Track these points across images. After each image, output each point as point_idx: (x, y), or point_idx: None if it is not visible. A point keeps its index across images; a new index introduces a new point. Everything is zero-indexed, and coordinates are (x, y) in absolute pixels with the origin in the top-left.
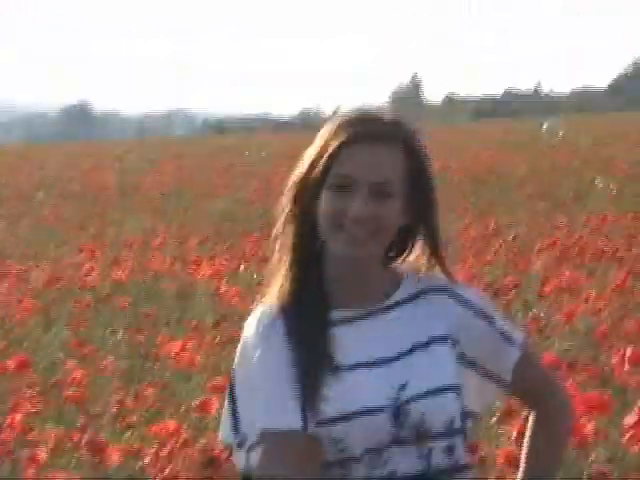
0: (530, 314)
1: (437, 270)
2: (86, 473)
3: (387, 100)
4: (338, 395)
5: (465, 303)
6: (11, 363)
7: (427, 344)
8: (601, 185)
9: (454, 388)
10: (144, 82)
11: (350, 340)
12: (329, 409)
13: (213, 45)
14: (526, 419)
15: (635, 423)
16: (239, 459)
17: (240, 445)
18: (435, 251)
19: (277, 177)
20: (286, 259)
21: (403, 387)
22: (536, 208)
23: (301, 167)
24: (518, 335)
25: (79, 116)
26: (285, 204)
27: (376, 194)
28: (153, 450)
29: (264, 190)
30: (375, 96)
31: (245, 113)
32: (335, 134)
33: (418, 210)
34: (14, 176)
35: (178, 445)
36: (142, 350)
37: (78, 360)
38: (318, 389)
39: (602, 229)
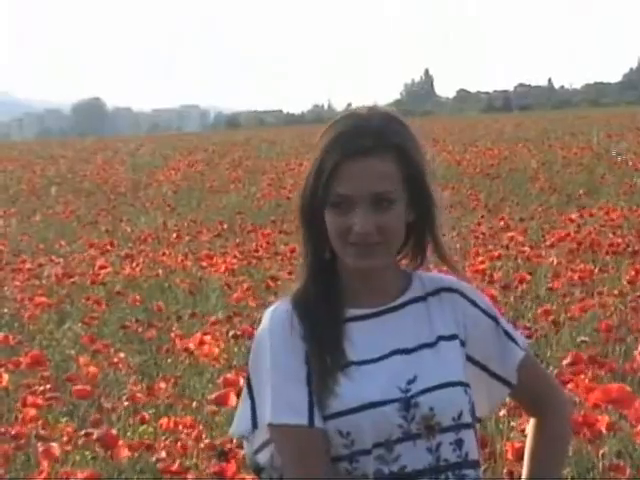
0: (541, 309)
1: (443, 267)
2: (99, 468)
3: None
4: (349, 389)
5: (473, 302)
6: (24, 358)
7: (436, 342)
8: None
9: (462, 384)
10: (156, 77)
11: (362, 337)
12: (340, 403)
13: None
14: None
15: None
16: (251, 452)
17: (254, 439)
18: (437, 246)
19: (289, 172)
20: (303, 264)
21: (412, 381)
22: (548, 202)
23: (303, 187)
24: (521, 337)
25: (92, 112)
26: (297, 222)
27: (377, 203)
28: (166, 444)
29: (275, 185)
30: (388, 91)
31: (258, 110)
32: (328, 151)
33: (419, 207)
34: (27, 172)
35: (191, 439)
36: (154, 345)
37: (91, 355)
38: (330, 384)
39: (614, 223)
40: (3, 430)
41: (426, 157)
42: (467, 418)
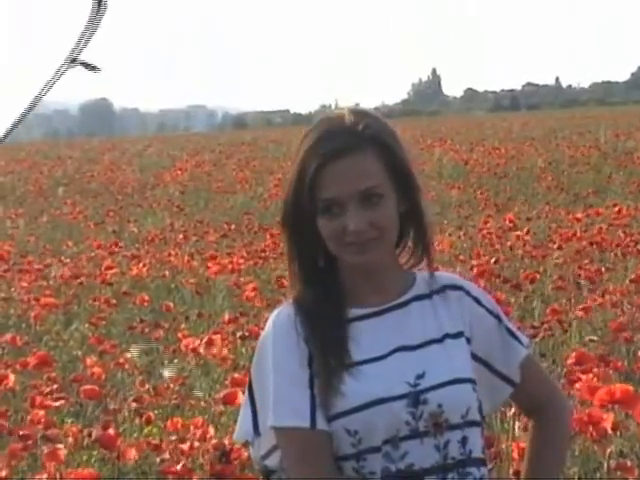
0: (549, 308)
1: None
2: (105, 469)
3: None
4: (356, 387)
5: (478, 300)
6: (31, 359)
7: (443, 339)
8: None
9: (470, 381)
10: (163, 77)
11: (367, 335)
12: (347, 401)
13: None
14: None
15: None
16: (257, 457)
17: (260, 443)
18: (422, 235)
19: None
20: (298, 268)
21: (421, 376)
22: (556, 201)
23: (286, 199)
24: (523, 336)
25: (99, 112)
26: (282, 226)
27: (367, 200)
28: (172, 445)
29: (282, 185)
30: (395, 91)
31: (265, 110)
32: (307, 159)
33: (409, 195)
34: (34, 173)
35: (197, 440)
36: (161, 345)
37: (98, 356)
38: (335, 384)
39: (621, 222)
40: (11, 430)
41: (405, 146)
42: (475, 416)
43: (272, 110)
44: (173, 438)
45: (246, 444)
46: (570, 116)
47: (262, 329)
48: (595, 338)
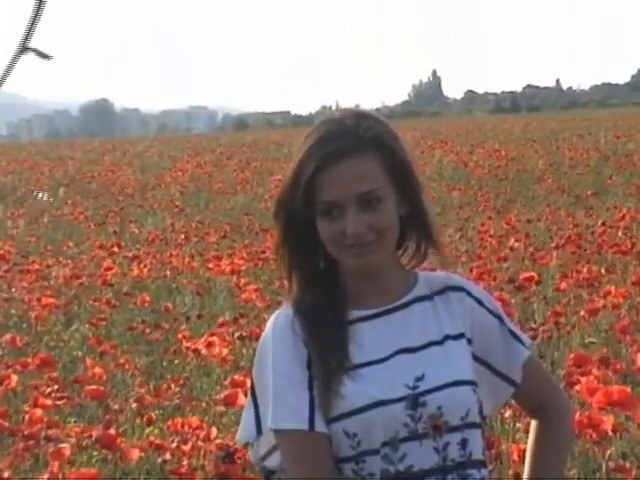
0: (550, 310)
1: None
2: (107, 469)
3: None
4: (355, 389)
5: (479, 301)
6: (32, 360)
7: (443, 340)
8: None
9: (471, 383)
10: (164, 78)
11: (367, 337)
12: (346, 403)
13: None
14: None
15: None
16: (257, 458)
17: (260, 444)
18: (428, 235)
19: None
20: (298, 269)
21: (421, 378)
22: (556, 203)
23: (283, 192)
24: (525, 337)
25: (100, 113)
26: (276, 225)
27: (366, 203)
28: (174, 445)
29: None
30: (396, 92)
31: (266, 111)
32: (306, 162)
33: (410, 198)
34: (35, 173)
35: (199, 440)
36: (162, 346)
37: (98, 357)
38: (335, 386)
39: (621, 224)
40: (12, 431)
41: (407, 147)
42: (475, 418)
43: (273, 111)
44: (175, 439)
45: (247, 445)
46: (570, 118)
47: (262, 330)
48: (595, 340)
